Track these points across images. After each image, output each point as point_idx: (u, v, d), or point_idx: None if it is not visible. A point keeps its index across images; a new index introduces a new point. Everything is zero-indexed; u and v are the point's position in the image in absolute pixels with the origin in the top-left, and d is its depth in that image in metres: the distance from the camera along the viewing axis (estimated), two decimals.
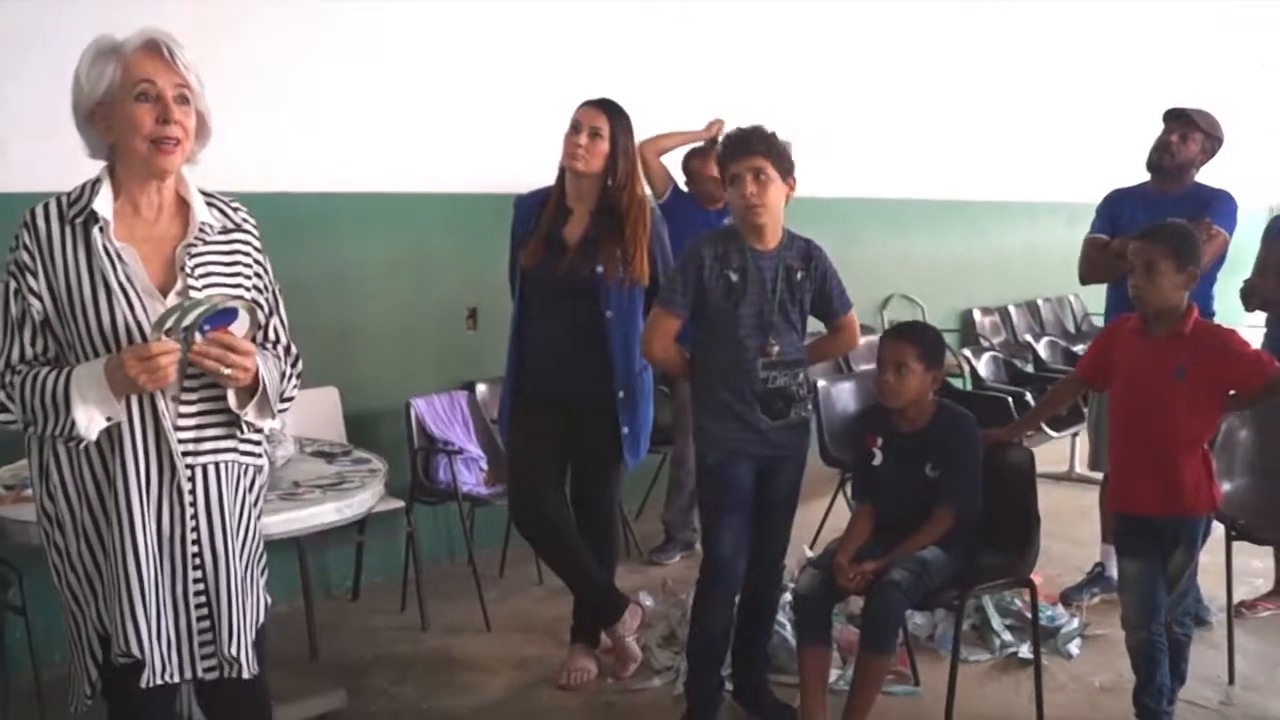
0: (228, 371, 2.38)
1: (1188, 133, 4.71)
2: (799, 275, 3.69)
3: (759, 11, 7.07)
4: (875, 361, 4.00)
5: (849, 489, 4.60)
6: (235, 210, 2.61)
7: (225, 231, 2.56)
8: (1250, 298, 4.75)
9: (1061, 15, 9.91)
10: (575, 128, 4.03)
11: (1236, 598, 4.53)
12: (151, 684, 2.44)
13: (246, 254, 2.59)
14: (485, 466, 5.18)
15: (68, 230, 2.43)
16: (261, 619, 2.62)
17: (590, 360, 4.03)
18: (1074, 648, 4.49)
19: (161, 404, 2.41)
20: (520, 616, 4.96)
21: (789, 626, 4.25)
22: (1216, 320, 4.61)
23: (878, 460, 3.86)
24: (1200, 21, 11.59)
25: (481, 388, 5.47)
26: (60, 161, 4.14)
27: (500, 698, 4.23)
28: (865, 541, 3.77)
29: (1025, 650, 4.37)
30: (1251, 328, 5.03)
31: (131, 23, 4.15)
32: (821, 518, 5.60)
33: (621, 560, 4.84)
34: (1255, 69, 12.78)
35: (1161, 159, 4.75)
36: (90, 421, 2.35)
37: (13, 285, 2.43)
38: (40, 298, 2.42)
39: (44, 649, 3.88)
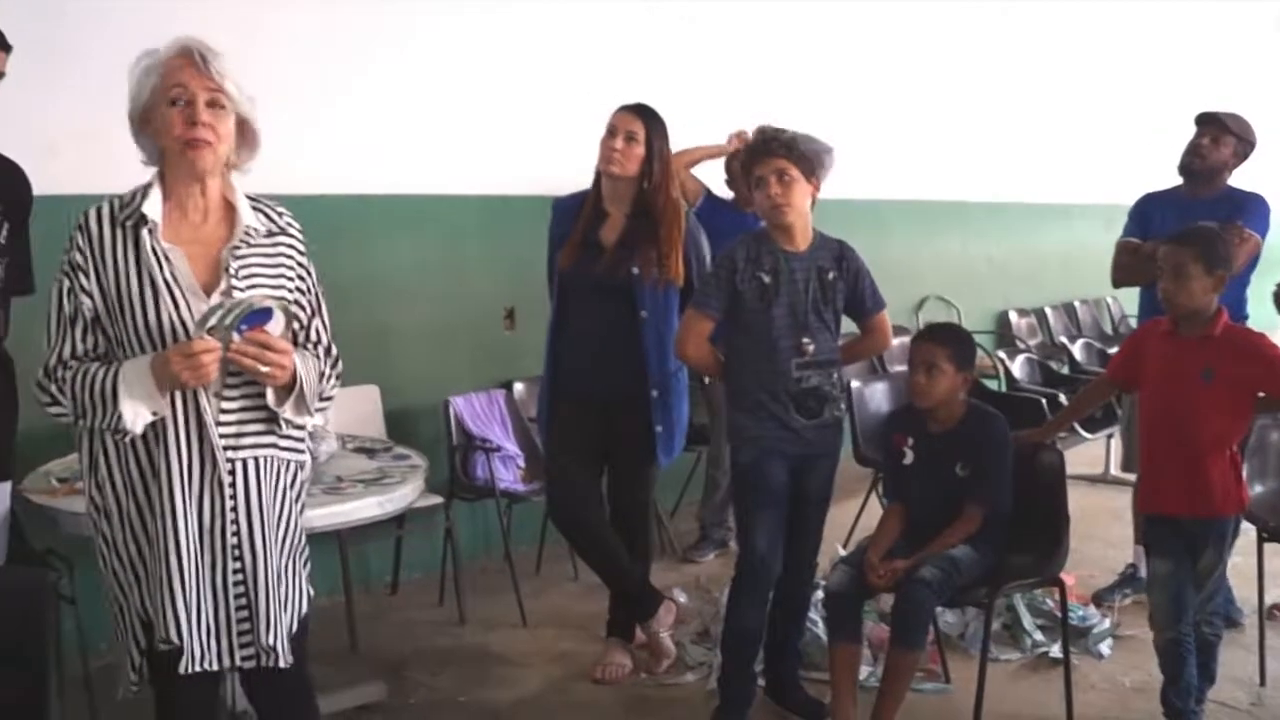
0: (265, 369, 2.45)
1: (1219, 136, 4.72)
2: (831, 275, 3.75)
3: (792, 17, 7.12)
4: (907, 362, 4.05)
5: (882, 488, 4.65)
6: (280, 215, 2.68)
7: (270, 235, 2.63)
8: None
9: (1098, 16, 9.91)
10: (611, 132, 4.10)
11: (1268, 600, 4.54)
12: (191, 670, 2.51)
13: (290, 257, 2.65)
14: (522, 464, 5.24)
15: (119, 232, 2.51)
16: (304, 610, 2.69)
17: (625, 360, 4.09)
18: (1105, 648, 4.51)
19: (204, 400, 2.48)
20: (556, 612, 5.02)
21: (821, 624, 4.30)
22: (1250, 323, 4.64)
23: (908, 460, 3.90)
24: (1236, 22, 11.58)
25: (519, 386, 5.53)
26: (108, 165, 4.22)
27: (537, 691, 4.30)
28: (896, 539, 3.82)
29: (1056, 650, 4.38)
30: None
31: (174, 31, 4.27)
32: (854, 516, 5.64)
33: (656, 557, 4.90)
34: None
35: (1193, 163, 4.77)
36: (136, 415, 2.42)
37: (66, 284, 2.51)
38: (91, 296, 2.51)
39: (92, 638, 3.96)
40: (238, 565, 2.54)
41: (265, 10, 4.64)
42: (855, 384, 5.69)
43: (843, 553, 4.62)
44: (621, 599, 4.40)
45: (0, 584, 2.84)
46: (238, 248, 2.57)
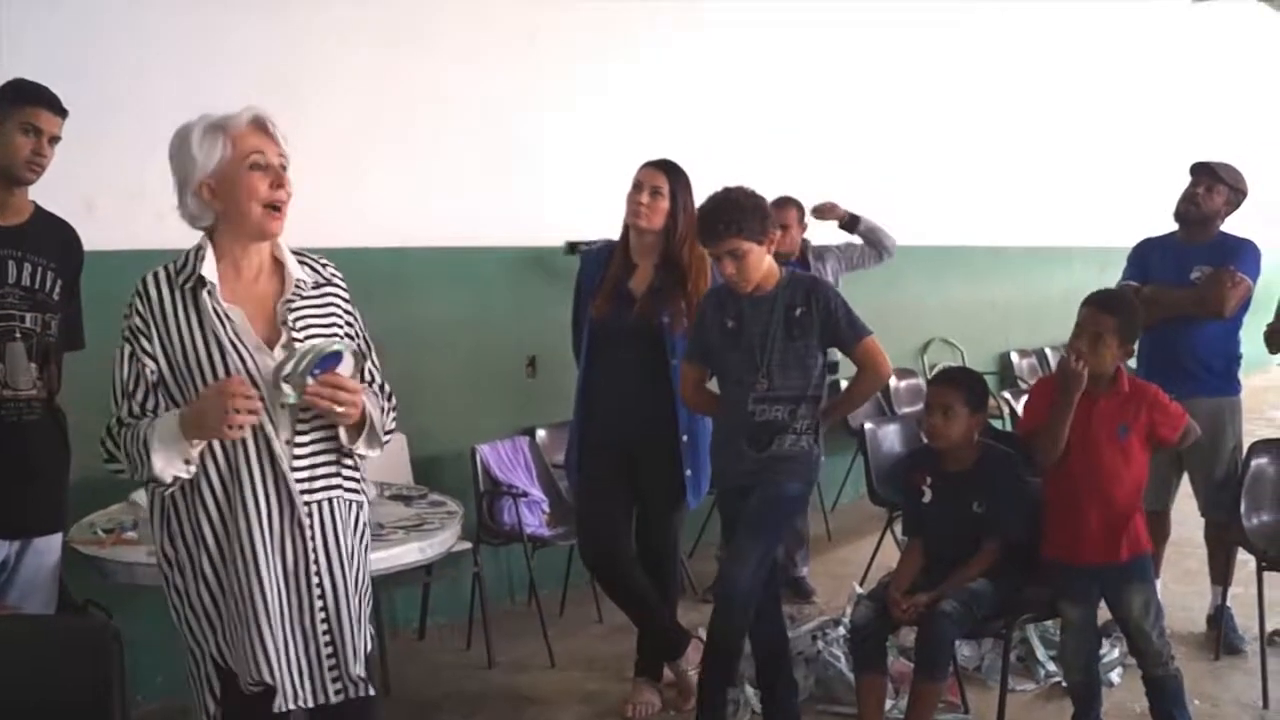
0: (340, 410, 2.56)
1: (1213, 185, 4.91)
2: (798, 311, 3.80)
3: (802, 69, 7.32)
4: (923, 404, 4.19)
5: (896, 527, 4.78)
6: (324, 266, 2.80)
7: (317, 286, 2.74)
8: (1273, 340, 4.93)
9: (1096, 69, 10.16)
10: (637, 187, 4.25)
11: (1270, 627, 4.67)
12: (284, 709, 2.60)
13: (337, 305, 2.76)
14: (547, 509, 5.33)
15: (178, 295, 2.62)
16: (370, 648, 2.79)
17: (656, 406, 4.21)
18: (1115, 676, 4.60)
19: (277, 446, 2.58)
20: (583, 653, 5.11)
21: (843, 659, 4.44)
22: (1243, 363, 4.84)
23: (927, 498, 4.02)
24: (1230, 77, 11.87)
25: (541, 433, 5.64)
26: (147, 221, 4.40)
27: None
28: (916, 574, 3.95)
29: None
30: None
31: (211, 91, 4.41)
32: (870, 554, 5.77)
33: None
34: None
35: (1188, 210, 4.95)
36: (166, 465, 2.51)
37: (127, 349, 2.61)
38: (155, 359, 2.60)
39: (132, 687, 3.99)
40: (322, 604, 2.64)
41: (300, 71, 4.78)
42: (869, 426, 5.82)
43: (860, 590, 4.76)
44: (649, 638, 4.48)
45: (65, 633, 2.89)
46: (291, 301, 2.68)
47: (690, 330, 4.05)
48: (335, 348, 2.57)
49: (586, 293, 4.41)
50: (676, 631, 4.49)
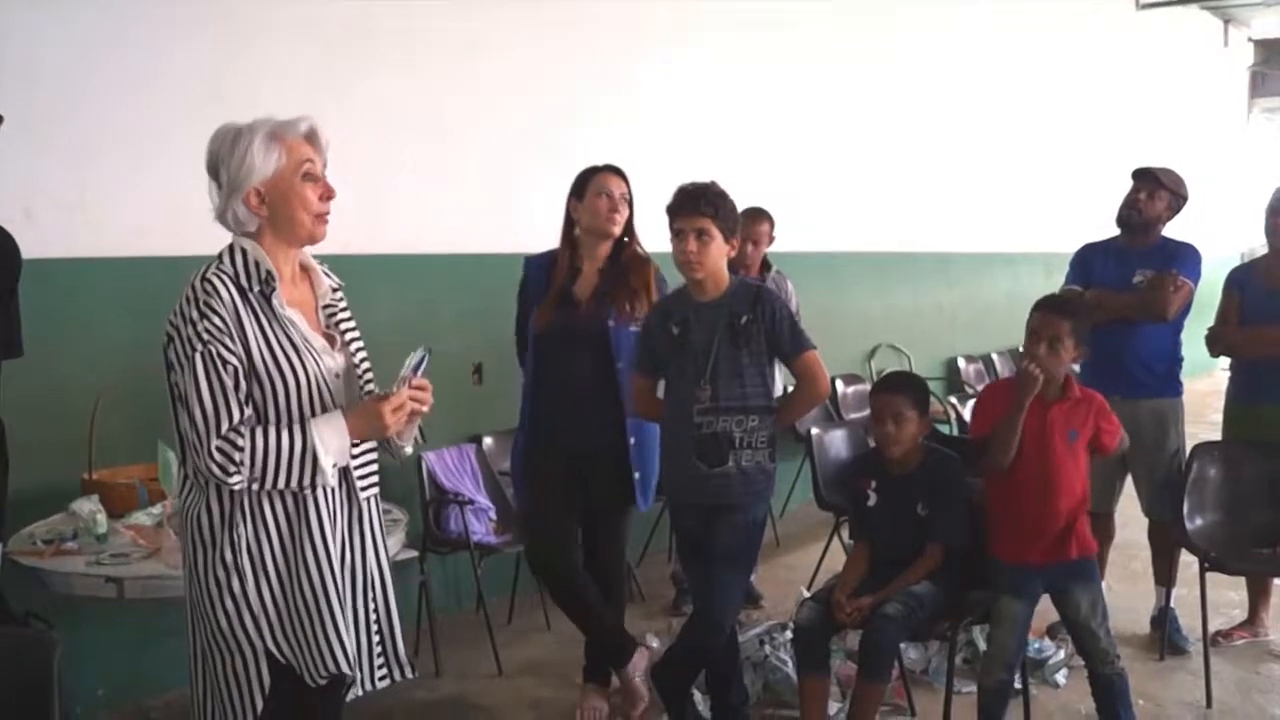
0: (425, 409, 2.69)
1: (1154, 190, 4.97)
2: (744, 319, 3.75)
3: (745, 72, 7.33)
4: (870, 412, 4.20)
5: (844, 532, 4.79)
6: (329, 273, 2.84)
7: (334, 290, 2.82)
8: (1214, 344, 5.00)
9: (1040, 76, 10.28)
10: (608, 194, 4.21)
11: (1213, 628, 4.74)
12: (355, 695, 2.71)
13: (346, 307, 2.84)
14: (494, 516, 5.31)
15: (246, 299, 2.57)
16: None
17: (603, 410, 4.19)
18: (1060, 677, 4.65)
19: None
20: (531, 661, 5.09)
21: (790, 664, 4.44)
22: (1184, 365, 4.91)
23: (872, 502, 4.04)
24: (1172, 83, 12.02)
25: (488, 440, 5.62)
26: (86, 231, 4.35)
27: None
28: (861, 577, 3.96)
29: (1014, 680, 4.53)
30: (1224, 371, 5.29)
31: (155, 100, 4.35)
32: (818, 559, 5.78)
33: (626, 604, 5.00)
34: (1224, 130, 13.27)
35: (1130, 215, 5.02)
36: (331, 470, 2.57)
37: (214, 350, 2.49)
38: (239, 359, 2.52)
39: (70, 700, 3.95)
40: (372, 594, 2.75)
41: (243, 82, 4.70)
42: (815, 431, 5.82)
43: (806, 594, 4.77)
44: (597, 645, 4.46)
45: (3, 645, 2.83)
46: (329, 307, 2.77)
47: (638, 340, 4.02)
48: (422, 350, 2.73)
49: (531, 299, 4.38)
50: (624, 638, 4.47)
